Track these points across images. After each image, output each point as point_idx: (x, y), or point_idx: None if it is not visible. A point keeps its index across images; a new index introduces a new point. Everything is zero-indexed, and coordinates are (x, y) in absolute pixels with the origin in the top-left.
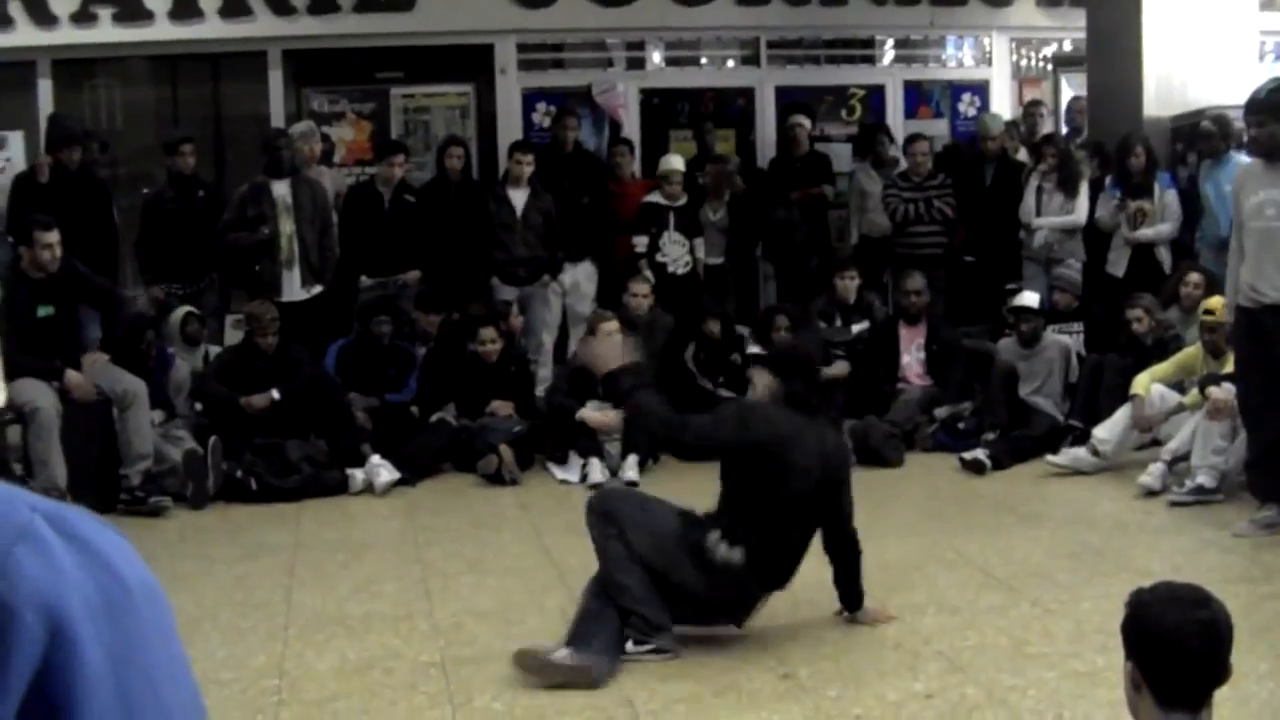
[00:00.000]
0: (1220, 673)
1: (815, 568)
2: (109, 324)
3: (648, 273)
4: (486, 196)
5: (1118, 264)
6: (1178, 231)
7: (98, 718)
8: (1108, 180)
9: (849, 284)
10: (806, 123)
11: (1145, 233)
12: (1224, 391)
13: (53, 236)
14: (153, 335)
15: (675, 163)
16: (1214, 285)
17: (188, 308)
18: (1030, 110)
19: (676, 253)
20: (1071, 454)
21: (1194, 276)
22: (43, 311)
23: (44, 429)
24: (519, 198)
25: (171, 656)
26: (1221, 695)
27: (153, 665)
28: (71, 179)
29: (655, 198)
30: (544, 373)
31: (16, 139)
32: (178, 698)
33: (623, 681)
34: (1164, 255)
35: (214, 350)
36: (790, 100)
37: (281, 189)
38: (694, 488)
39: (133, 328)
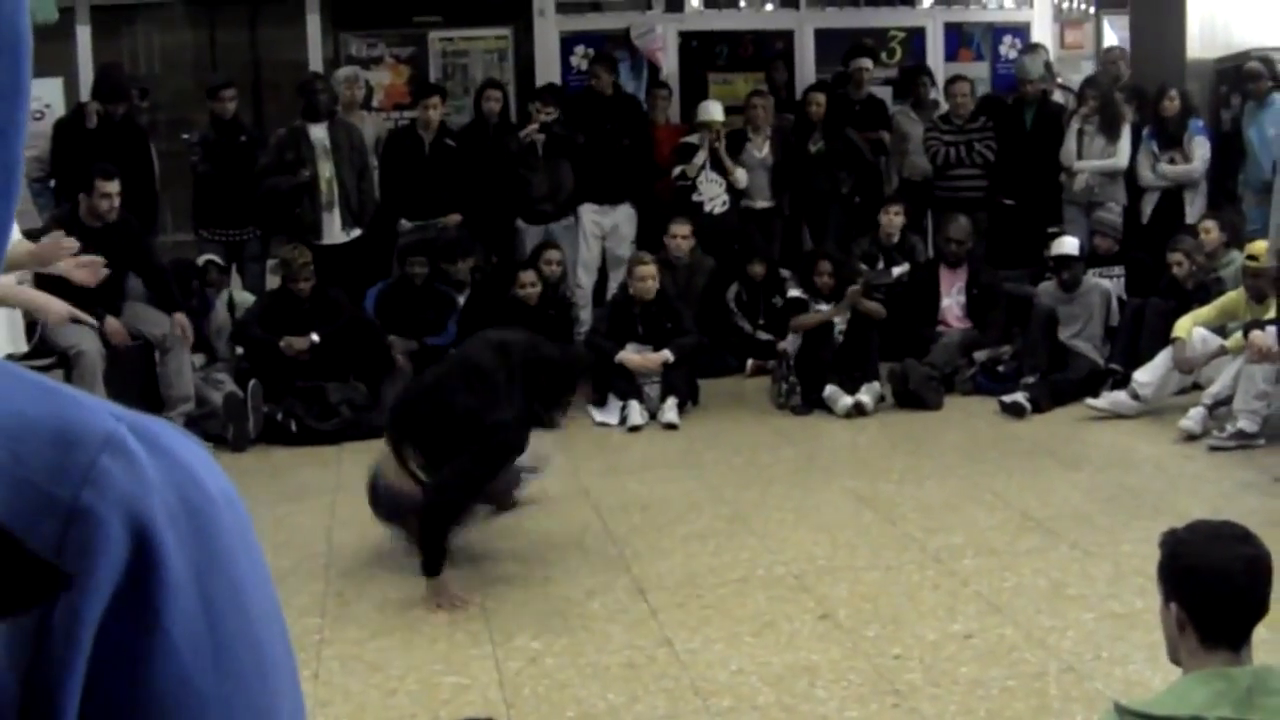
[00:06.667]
0: (1263, 609)
1: (854, 511)
2: (151, 290)
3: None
4: (507, 137)
5: (1144, 209)
6: (1203, 172)
7: (181, 625)
8: (1145, 131)
9: (894, 219)
10: (870, 65)
11: (1171, 169)
12: (1266, 335)
13: (113, 186)
14: (197, 283)
15: (715, 112)
16: (1237, 233)
17: (209, 256)
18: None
19: (713, 191)
20: (1112, 397)
21: (1208, 223)
22: None
23: (88, 372)
24: (539, 138)
25: (253, 564)
26: (1259, 638)
27: (235, 572)
28: (114, 126)
29: (692, 139)
30: (584, 314)
31: (55, 86)
32: (260, 604)
33: (662, 621)
34: (1196, 202)
35: (236, 297)
36: (853, 44)
37: (319, 132)
38: (734, 430)
39: (177, 274)
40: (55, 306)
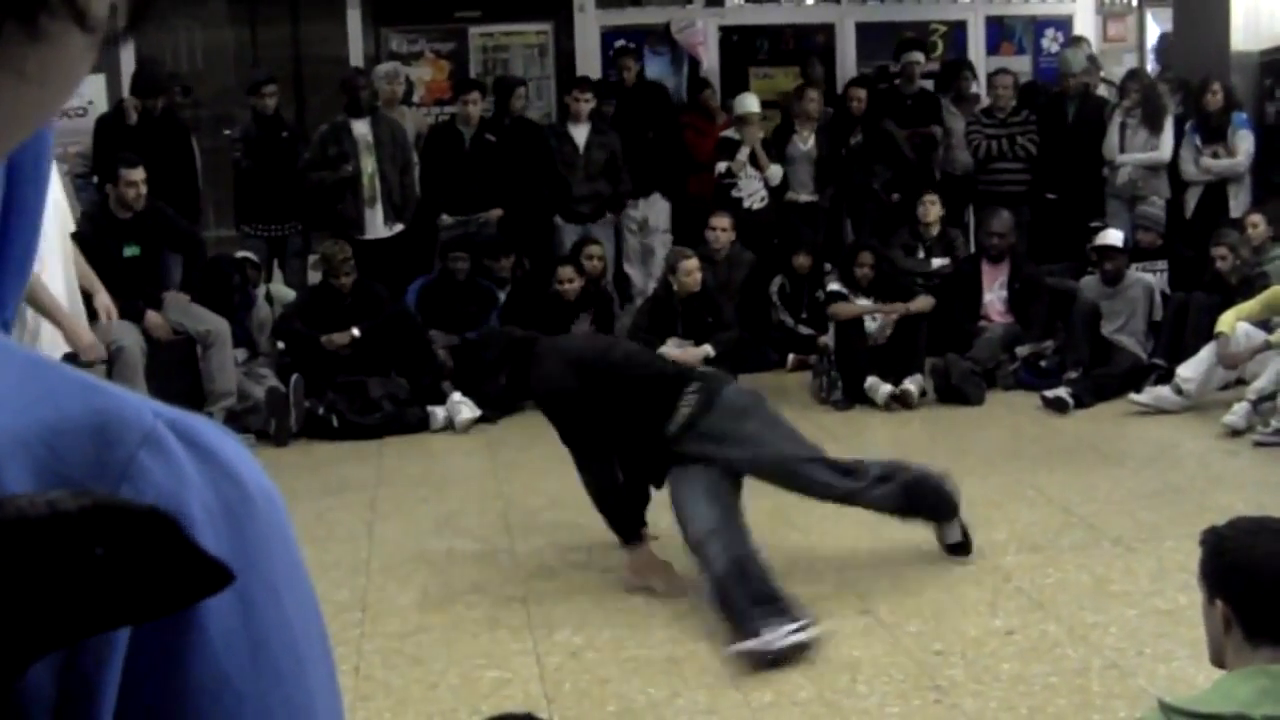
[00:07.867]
0: None
1: None
2: (189, 269)
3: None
4: (547, 134)
5: (1187, 203)
6: (1248, 165)
7: (218, 623)
8: (1188, 125)
9: (928, 208)
10: (922, 59)
11: (1215, 163)
12: None
13: (137, 174)
14: (238, 278)
15: (751, 104)
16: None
17: (245, 253)
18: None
19: (752, 187)
20: (1155, 393)
21: (1255, 217)
22: (129, 251)
23: (129, 368)
24: (581, 134)
25: (291, 561)
26: None
27: (273, 570)
28: (155, 122)
29: (731, 133)
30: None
31: (98, 82)
32: (297, 601)
33: (703, 615)
34: (1239, 196)
35: (278, 292)
36: (902, 38)
37: (362, 128)
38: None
39: (219, 268)
40: (85, 340)
